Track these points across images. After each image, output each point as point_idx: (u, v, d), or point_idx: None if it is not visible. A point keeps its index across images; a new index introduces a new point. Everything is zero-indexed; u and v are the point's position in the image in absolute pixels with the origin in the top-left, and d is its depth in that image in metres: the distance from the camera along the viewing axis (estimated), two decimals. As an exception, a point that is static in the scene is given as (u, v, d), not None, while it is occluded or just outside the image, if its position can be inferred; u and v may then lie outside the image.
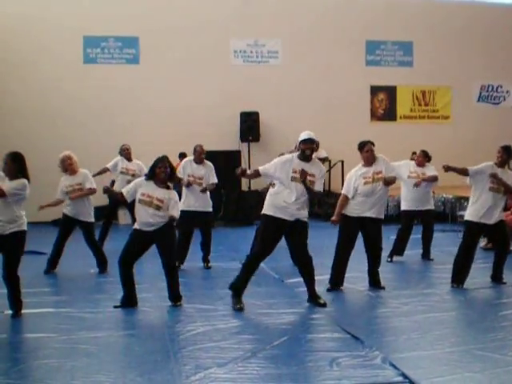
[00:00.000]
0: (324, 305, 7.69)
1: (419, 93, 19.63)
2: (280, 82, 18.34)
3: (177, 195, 7.87)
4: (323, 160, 17.59)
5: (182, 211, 9.06)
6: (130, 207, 9.02)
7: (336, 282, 8.62)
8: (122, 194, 7.89)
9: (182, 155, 15.09)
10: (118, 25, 17.61)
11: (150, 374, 5.47)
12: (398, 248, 10.97)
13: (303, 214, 7.68)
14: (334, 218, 8.61)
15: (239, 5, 18.18)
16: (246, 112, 17.70)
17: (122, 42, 17.86)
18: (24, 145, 14.79)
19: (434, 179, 10.91)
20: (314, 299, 7.81)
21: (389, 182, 8.53)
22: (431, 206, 11.16)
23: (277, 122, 18.04)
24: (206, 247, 10.56)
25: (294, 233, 7.65)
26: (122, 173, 12.33)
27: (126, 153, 12.53)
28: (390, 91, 19.46)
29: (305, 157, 7.72)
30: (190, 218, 10.08)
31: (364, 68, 19.26)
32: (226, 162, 15.85)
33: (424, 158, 11.15)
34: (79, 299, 8.31)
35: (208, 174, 10.45)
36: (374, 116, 19.45)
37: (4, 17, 16.96)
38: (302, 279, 8.18)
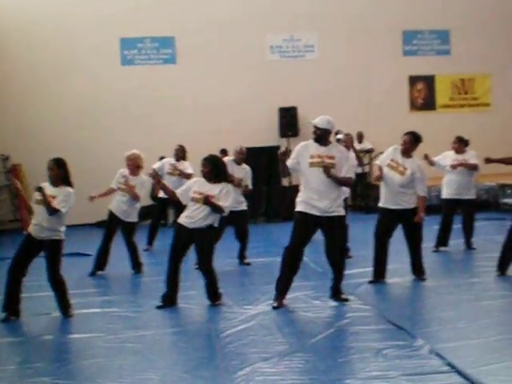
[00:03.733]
0: (346, 300, 7.63)
1: (458, 81, 19.38)
2: (317, 76, 18.27)
3: (230, 187, 7.81)
4: (368, 151, 17.56)
5: None
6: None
7: (379, 273, 8.58)
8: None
9: (223, 152, 15.15)
10: (154, 25, 17.72)
11: (196, 371, 5.52)
12: (442, 238, 10.87)
13: (333, 208, 7.48)
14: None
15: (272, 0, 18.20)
16: (284, 107, 17.69)
17: (159, 42, 17.97)
18: (65, 146, 15.22)
19: (473, 168, 10.73)
20: (335, 295, 7.74)
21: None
22: (472, 196, 10.98)
23: (315, 116, 17.84)
24: (242, 243, 10.60)
25: (326, 229, 7.52)
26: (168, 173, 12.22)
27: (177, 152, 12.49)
28: (429, 80, 19.26)
29: (316, 140, 7.56)
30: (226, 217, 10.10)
31: (402, 58, 19.07)
32: (265, 158, 15.91)
33: (461, 144, 10.96)
34: (125, 299, 8.43)
35: (246, 177, 10.45)
36: (414, 106, 19.27)
37: (44, 18, 17.15)
38: (348, 272, 8.24)
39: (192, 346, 6.26)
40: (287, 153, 7.57)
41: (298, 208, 7.57)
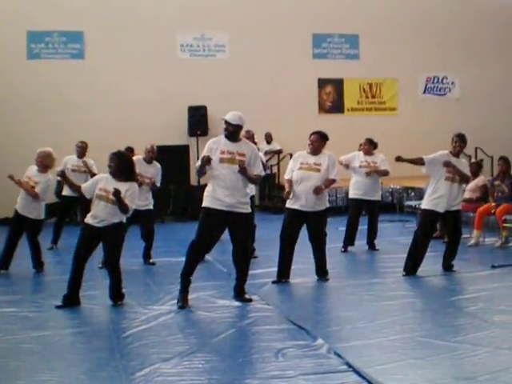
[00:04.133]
0: (250, 300, 7.64)
1: (366, 85, 19.78)
2: (227, 76, 18.30)
3: (136, 187, 7.67)
4: (277, 152, 17.70)
5: None
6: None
7: (283, 274, 8.62)
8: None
9: (130, 149, 14.90)
10: (63, 19, 17.34)
11: (94, 372, 5.42)
12: (349, 237, 11.04)
13: (241, 205, 7.47)
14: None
15: (185, -1, 18.14)
16: (193, 106, 17.63)
17: (67, 36, 17.60)
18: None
19: (385, 174, 11.02)
20: (239, 295, 7.73)
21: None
22: (378, 197, 11.22)
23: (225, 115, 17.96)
24: (147, 243, 10.51)
25: (232, 226, 7.52)
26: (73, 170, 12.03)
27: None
28: (338, 84, 19.57)
29: (227, 136, 7.54)
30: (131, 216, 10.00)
31: (311, 61, 19.31)
32: (174, 157, 15.82)
33: (370, 146, 11.20)
34: (24, 299, 8.19)
35: (155, 175, 10.36)
36: (322, 109, 19.54)
37: None
38: (252, 272, 8.26)
39: (91, 347, 6.14)
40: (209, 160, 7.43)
41: (205, 203, 7.52)
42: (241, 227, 7.53)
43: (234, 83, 18.25)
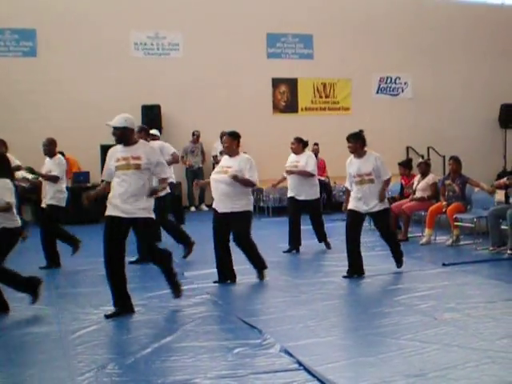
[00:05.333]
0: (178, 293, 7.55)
1: (320, 85, 19.88)
2: (181, 75, 18.23)
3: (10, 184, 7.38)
4: (222, 153, 17.61)
5: None
6: None
7: (223, 276, 8.60)
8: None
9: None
10: (14, 17, 17.09)
11: (42, 373, 5.37)
12: (291, 236, 11.02)
13: (135, 210, 7.07)
14: None
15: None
16: (147, 105, 17.52)
17: (19, 34, 17.35)
18: None
19: (306, 174, 10.86)
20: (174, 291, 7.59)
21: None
22: (312, 197, 11.02)
23: (179, 114, 17.96)
24: None
25: (135, 231, 7.32)
26: None
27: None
28: (292, 83, 19.63)
29: (118, 141, 7.31)
30: None
31: (265, 60, 19.34)
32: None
33: (298, 145, 11.08)
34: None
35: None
36: (276, 108, 19.57)
37: None
38: (201, 272, 8.29)
39: (40, 348, 6.07)
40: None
41: (106, 212, 7.19)
42: (140, 230, 7.29)
43: (188, 82, 18.20)
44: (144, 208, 7.13)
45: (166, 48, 18.44)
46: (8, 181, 7.33)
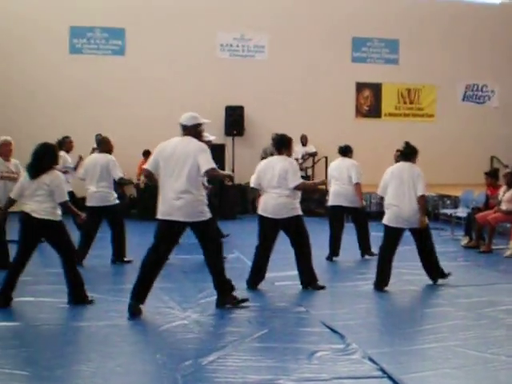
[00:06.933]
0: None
1: (404, 90, 19.69)
2: (266, 77, 18.33)
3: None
4: (312, 155, 17.63)
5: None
6: None
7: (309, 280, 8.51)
8: None
9: (147, 153, 14.93)
10: (105, 16, 17.55)
11: (130, 365, 5.49)
12: (334, 246, 10.76)
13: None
14: None
15: (226, -2, 18.24)
16: (231, 106, 17.69)
17: (109, 32, 17.79)
18: (8, 128, 14.93)
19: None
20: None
21: None
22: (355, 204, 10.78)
23: (261, 116, 18.04)
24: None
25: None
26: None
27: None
28: (376, 88, 19.50)
29: None
30: None
31: (350, 65, 19.28)
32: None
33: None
34: (61, 290, 8.27)
35: None
36: (359, 113, 19.48)
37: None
38: (282, 274, 8.35)
39: (126, 340, 6.21)
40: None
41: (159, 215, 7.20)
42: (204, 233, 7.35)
43: (271, 84, 18.28)
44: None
45: (251, 50, 18.58)
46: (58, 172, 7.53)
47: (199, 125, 7.40)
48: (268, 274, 8.96)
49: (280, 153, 8.40)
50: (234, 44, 18.48)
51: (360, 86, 19.41)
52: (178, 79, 17.77)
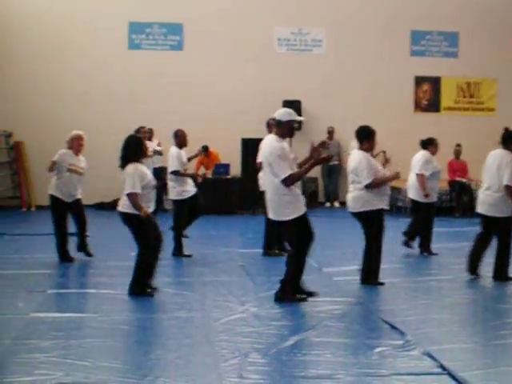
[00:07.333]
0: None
1: (464, 84, 19.36)
2: (323, 71, 18.26)
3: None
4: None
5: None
6: None
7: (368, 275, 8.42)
8: None
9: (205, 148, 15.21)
10: (163, 11, 17.72)
11: (188, 357, 5.53)
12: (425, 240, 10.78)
13: None
14: None
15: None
16: (288, 100, 17.62)
17: (167, 28, 17.95)
18: (67, 126, 15.24)
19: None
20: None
21: None
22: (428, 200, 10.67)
23: (319, 111, 17.96)
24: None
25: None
26: None
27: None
28: (435, 82, 19.23)
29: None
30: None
31: (409, 58, 19.04)
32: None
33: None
34: (120, 281, 8.42)
35: None
36: (418, 107, 19.24)
37: (49, 4, 17.27)
38: (340, 268, 8.35)
39: (185, 333, 6.26)
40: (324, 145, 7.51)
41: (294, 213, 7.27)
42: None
43: (328, 78, 18.21)
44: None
45: (308, 44, 18.51)
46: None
47: (293, 121, 7.44)
48: (326, 269, 8.99)
49: (361, 145, 8.37)
50: (291, 38, 18.44)
51: (419, 80, 19.16)
52: (236, 74, 17.84)
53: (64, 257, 9.72)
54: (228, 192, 15.93)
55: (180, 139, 10.52)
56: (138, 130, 12.52)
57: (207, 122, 16.90)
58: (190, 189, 10.43)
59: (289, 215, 7.17)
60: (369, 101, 18.45)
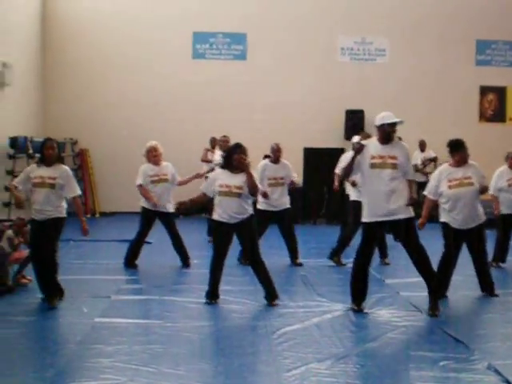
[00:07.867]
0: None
1: (530, 94, 19.02)
2: (386, 81, 18.15)
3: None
4: (433, 160, 17.27)
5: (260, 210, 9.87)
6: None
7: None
8: (204, 194, 7.90)
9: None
10: (227, 21, 17.89)
11: (252, 365, 5.59)
12: (501, 254, 10.62)
13: (402, 209, 7.24)
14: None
15: (347, 2, 18.15)
16: (351, 110, 17.61)
17: (231, 38, 18.10)
18: (130, 135, 15.58)
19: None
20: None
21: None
22: None
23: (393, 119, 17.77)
24: (290, 242, 10.60)
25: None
26: None
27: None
28: (500, 92, 18.91)
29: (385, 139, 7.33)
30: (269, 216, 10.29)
31: (473, 67, 18.77)
32: (329, 160, 15.85)
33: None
34: (183, 289, 8.52)
35: (288, 173, 10.53)
36: (483, 117, 18.94)
37: (116, 14, 17.62)
38: (404, 280, 8.23)
39: (247, 341, 6.31)
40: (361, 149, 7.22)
41: (367, 218, 7.30)
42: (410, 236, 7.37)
43: (392, 88, 18.08)
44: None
45: (372, 53, 18.42)
46: None
47: (383, 125, 7.26)
48: (391, 280, 8.93)
49: (453, 157, 8.29)
50: (354, 48, 18.38)
51: (484, 90, 18.87)
52: (299, 83, 17.87)
53: (129, 263, 9.92)
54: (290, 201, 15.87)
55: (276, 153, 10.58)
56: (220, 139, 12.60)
57: (270, 130, 16.93)
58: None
59: None
60: (432, 110, 18.25)
